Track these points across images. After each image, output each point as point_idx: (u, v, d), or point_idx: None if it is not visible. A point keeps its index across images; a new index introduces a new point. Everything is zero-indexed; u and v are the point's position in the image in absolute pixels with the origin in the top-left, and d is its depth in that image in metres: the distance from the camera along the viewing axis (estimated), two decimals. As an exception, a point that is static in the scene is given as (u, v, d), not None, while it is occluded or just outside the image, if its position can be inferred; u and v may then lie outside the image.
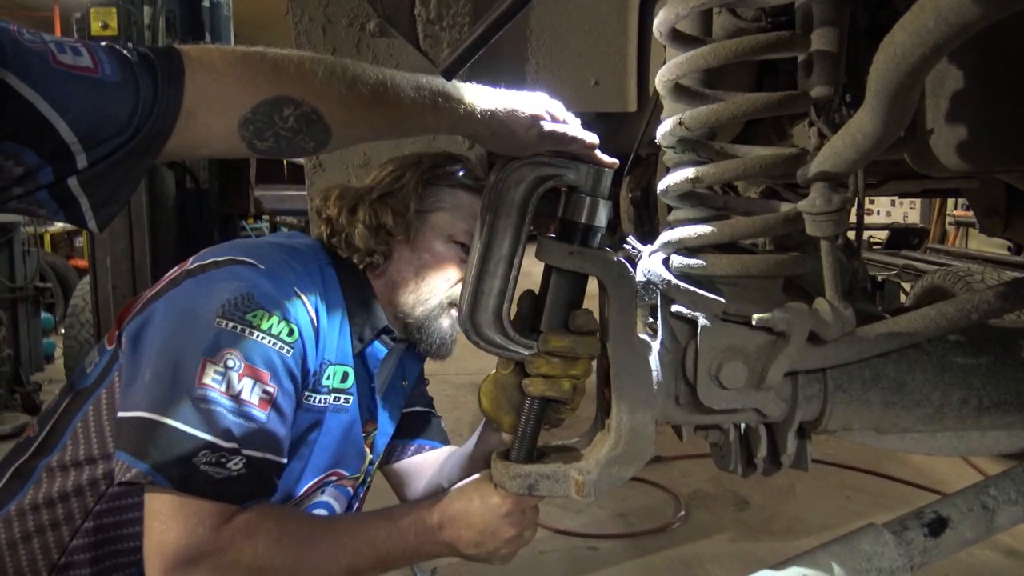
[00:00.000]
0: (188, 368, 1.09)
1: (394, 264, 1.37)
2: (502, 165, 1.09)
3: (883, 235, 8.29)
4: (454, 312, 1.37)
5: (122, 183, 0.89)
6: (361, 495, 1.48)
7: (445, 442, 1.65)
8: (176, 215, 4.35)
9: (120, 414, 1.14)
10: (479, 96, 1.06)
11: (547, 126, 1.08)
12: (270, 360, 1.14)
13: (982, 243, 9.36)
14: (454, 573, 3.07)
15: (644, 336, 1.11)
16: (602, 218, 1.08)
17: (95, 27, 3.95)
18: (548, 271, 1.10)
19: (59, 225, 8.55)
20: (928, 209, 11.30)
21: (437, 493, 1.26)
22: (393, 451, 1.60)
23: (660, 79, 1.07)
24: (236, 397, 1.10)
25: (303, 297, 1.21)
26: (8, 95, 0.78)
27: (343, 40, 1.73)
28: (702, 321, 1.02)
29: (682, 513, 3.56)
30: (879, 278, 5.76)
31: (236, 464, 1.09)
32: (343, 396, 1.31)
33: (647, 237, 1.29)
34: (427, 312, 1.36)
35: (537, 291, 1.13)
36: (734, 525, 3.51)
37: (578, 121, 1.13)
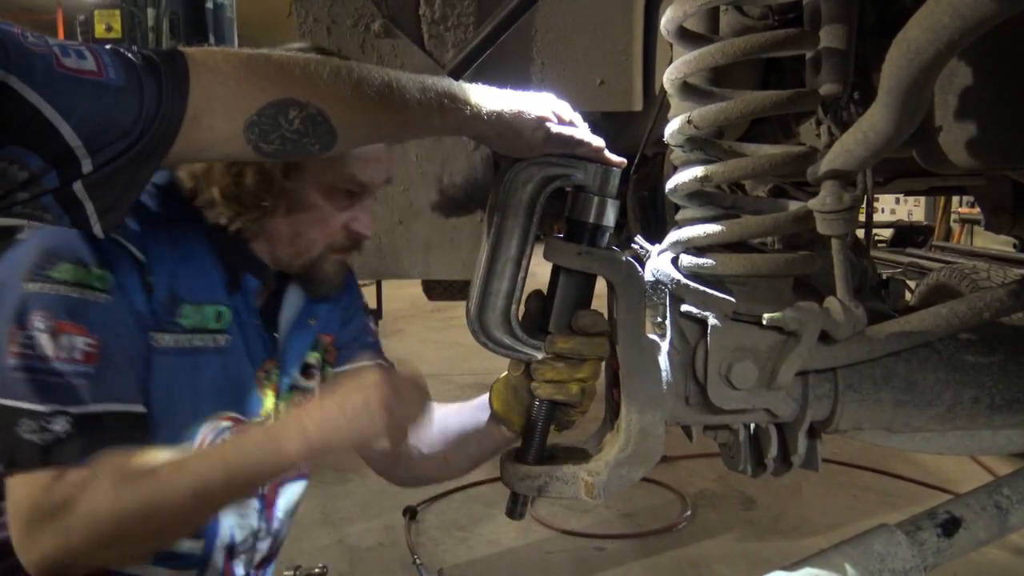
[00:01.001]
0: (1, 341, 1.06)
1: (270, 223, 1.27)
2: (509, 165, 1.09)
3: (888, 233, 8.28)
4: (338, 255, 1.32)
5: (127, 188, 0.89)
6: None
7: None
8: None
9: None
10: (485, 97, 1.05)
11: (554, 128, 1.06)
12: (85, 312, 1.09)
13: (987, 240, 9.35)
14: (460, 574, 3.08)
15: (653, 336, 1.11)
16: (610, 218, 1.07)
17: (99, 29, 3.96)
18: (556, 271, 1.10)
19: (63, 228, 8.54)
20: (933, 207, 11.28)
21: None
22: None
23: (668, 77, 1.07)
24: (51, 358, 1.06)
25: (119, 239, 1.15)
26: (11, 98, 0.78)
27: (347, 41, 1.72)
28: (712, 321, 1.01)
29: (688, 513, 3.55)
30: (884, 276, 5.74)
31: (61, 426, 1.05)
32: (216, 336, 1.25)
33: (655, 236, 1.28)
34: (307, 262, 1.30)
35: (544, 291, 1.12)
36: (741, 525, 3.50)
37: (585, 124, 1.12)
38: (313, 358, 1.46)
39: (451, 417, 1.41)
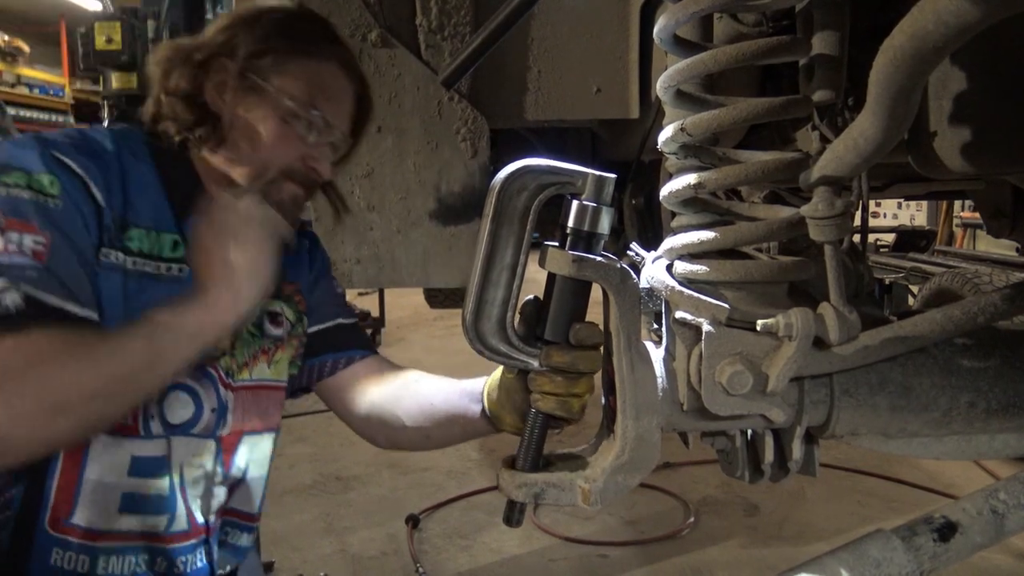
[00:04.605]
0: None
1: (224, 140, 1.27)
2: (503, 173, 1.09)
3: (890, 238, 8.27)
4: (294, 187, 1.31)
5: None
6: (235, 384, 1.35)
7: (372, 350, 1.57)
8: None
9: None
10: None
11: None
12: (33, 211, 1.09)
13: (990, 244, 9.33)
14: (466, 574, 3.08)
15: (648, 343, 1.11)
16: (605, 225, 1.07)
17: (99, 41, 3.98)
18: (551, 278, 1.10)
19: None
20: (935, 211, 11.27)
21: None
22: (323, 368, 1.52)
23: (661, 85, 1.07)
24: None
25: (67, 159, 1.16)
26: None
27: (345, 51, 1.73)
28: (706, 327, 1.01)
29: (692, 519, 3.55)
30: (887, 281, 5.74)
31: (12, 299, 1.03)
32: (172, 265, 1.24)
33: (651, 243, 1.29)
34: (263, 185, 1.27)
35: (540, 297, 1.13)
36: (744, 531, 3.49)
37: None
38: (277, 306, 1.44)
39: (437, 396, 1.41)
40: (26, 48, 11.47)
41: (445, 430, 1.39)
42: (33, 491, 1.19)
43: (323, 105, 1.29)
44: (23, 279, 1.05)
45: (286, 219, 1.28)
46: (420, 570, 3.07)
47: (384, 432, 1.47)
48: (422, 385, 1.46)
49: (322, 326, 1.52)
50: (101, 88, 4.32)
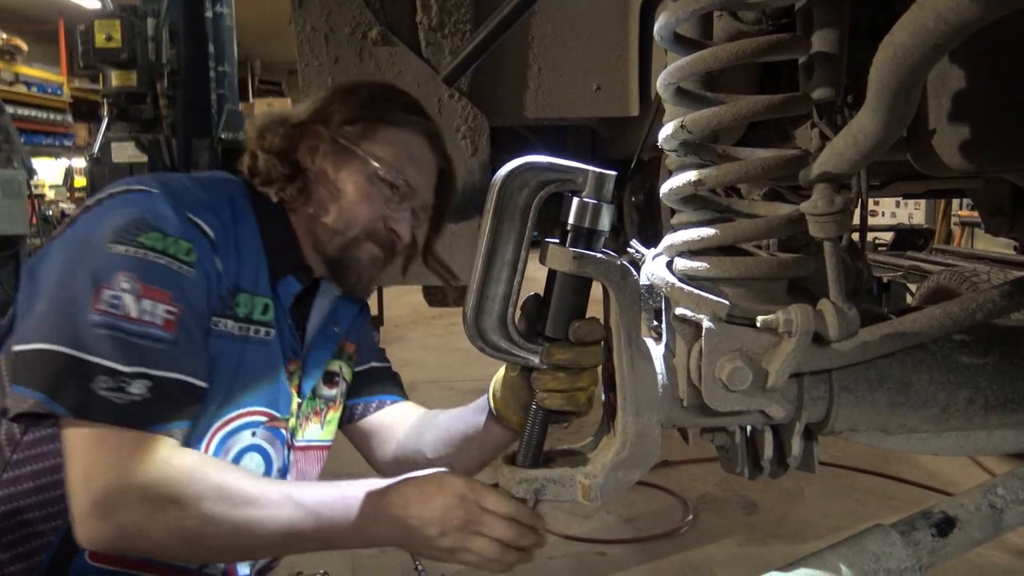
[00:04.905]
0: (82, 295, 1.07)
1: (313, 198, 1.33)
2: (504, 170, 1.09)
3: (888, 236, 8.28)
4: (374, 248, 1.35)
5: None
6: (295, 444, 1.40)
7: (404, 396, 1.61)
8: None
9: (15, 347, 1.11)
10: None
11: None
12: (169, 280, 1.12)
13: (988, 243, 9.35)
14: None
15: (648, 340, 1.11)
16: (605, 222, 1.08)
17: (99, 39, 3.98)
18: (552, 275, 1.11)
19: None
20: (933, 210, 11.28)
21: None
22: (355, 410, 1.56)
23: (662, 82, 1.08)
24: (134, 319, 1.08)
25: (199, 220, 1.18)
26: None
27: (345, 49, 1.73)
28: (706, 323, 1.01)
29: (690, 517, 3.55)
30: (885, 279, 5.75)
31: (138, 388, 1.06)
32: (263, 328, 1.27)
33: (651, 241, 1.29)
34: (344, 243, 1.33)
35: (541, 294, 1.13)
36: (743, 529, 3.50)
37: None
38: (336, 366, 1.48)
39: (453, 422, 1.43)
40: (24, 46, 11.46)
41: (465, 453, 1.40)
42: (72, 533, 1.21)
43: (408, 171, 1.34)
44: (153, 354, 1.09)
45: (364, 278, 1.35)
46: (419, 568, 3.06)
47: (407, 471, 1.49)
48: (441, 417, 1.49)
49: (357, 369, 1.55)
50: (101, 86, 4.32)
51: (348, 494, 1.12)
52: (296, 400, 1.36)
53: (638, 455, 1.05)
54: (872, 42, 1.19)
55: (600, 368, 1.13)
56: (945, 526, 1.03)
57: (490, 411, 1.32)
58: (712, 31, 1.21)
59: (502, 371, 1.25)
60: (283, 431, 1.34)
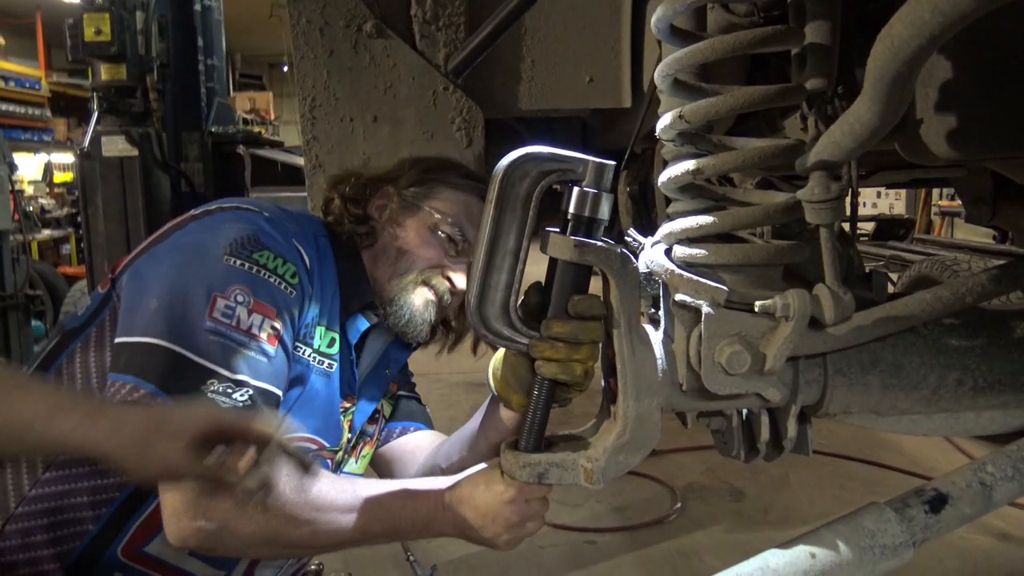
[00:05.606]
0: (198, 300, 1.13)
1: (378, 243, 1.42)
2: (506, 160, 1.11)
3: (870, 226, 8.35)
4: (429, 293, 1.42)
5: None
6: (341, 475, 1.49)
7: (430, 425, 1.67)
8: (172, 218, 4.35)
9: (120, 339, 1.16)
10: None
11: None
12: (276, 299, 1.19)
13: (968, 232, 9.45)
14: (454, 571, 3.10)
15: (648, 326, 1.14)
16: (605, 211, 1.10)
17: (88, 33, 3.95)
18: (553, 264, 1.12)
19: (46, 232, 8.52)
20: (914, 200, 11.39)
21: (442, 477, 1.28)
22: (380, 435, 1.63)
23: (659, 73, 1.10)
24: (246, 331, 1.14)
25: (301, 247, 1.26)
26: None
27: (340, 41, 1.74)
28: (706, 309, 1.04)
29: (678, 505, 3.59)
30: (867, 269, 5.81)
31: (242, 395, 1.12)
32: (327, 361, 1.33)
33: (645, 230, 1.31)
34: (401, 286, 1.40)
35: (543, 284, 1.15)
36: (730, 516, 3.54)
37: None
38: (381, 403, 1.56)
39: (465, 428, 1.48)
40: (1, 40, 11.33)
41: (473, 453, 1.44)
42: (114, 523, 1.24)
43: (465, 227, 1.43)
44: (256, 365, 1.16)
45: (416, 322, 1.43)
46: (411, 557, 3.08)
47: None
48: (457, 432, 1.54)
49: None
50: (89, 80, 4.28)
51: (411, 491, 1.23)
52: (347, 435, 1.44)
53: (639, 439, 1.07)
54: (862, 33, 1.21)
55: (599, 346, 1.15)
56: (937, 503, 1.06)
57: (492, 397, 1.34)
58: (706, 24, 1.23)
59: (501, 352, 1.27)
60: (329, 462, 1.41)
